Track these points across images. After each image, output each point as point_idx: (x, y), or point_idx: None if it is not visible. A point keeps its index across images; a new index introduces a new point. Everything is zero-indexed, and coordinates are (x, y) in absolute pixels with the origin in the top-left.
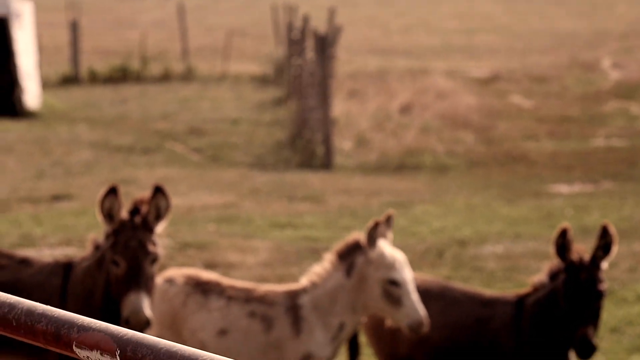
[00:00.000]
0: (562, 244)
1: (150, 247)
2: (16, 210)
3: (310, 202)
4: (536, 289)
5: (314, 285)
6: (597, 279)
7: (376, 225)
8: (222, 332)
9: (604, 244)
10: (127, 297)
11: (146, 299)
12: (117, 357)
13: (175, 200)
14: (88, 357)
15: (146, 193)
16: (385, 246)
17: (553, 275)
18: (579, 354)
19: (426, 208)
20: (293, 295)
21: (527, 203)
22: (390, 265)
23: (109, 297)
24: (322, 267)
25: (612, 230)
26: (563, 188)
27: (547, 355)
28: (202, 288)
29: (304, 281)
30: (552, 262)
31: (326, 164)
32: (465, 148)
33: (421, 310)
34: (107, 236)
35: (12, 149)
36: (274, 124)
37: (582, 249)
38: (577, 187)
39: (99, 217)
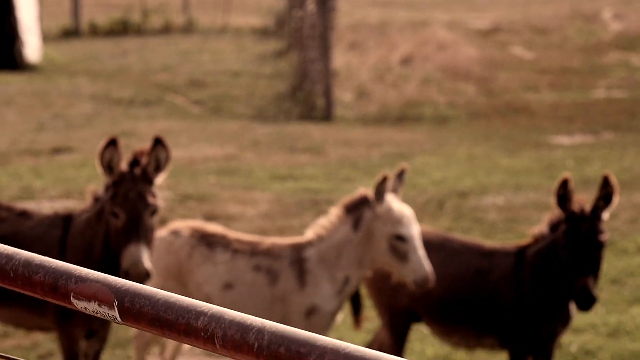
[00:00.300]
0: (563, 194)
1: (150, 199)
2: (16, 163)
3: (311, 153)
4: (536, 239)
5: (320, 238)
6: (598, 229)
7: (384, 179)
8: (228, 286)
9: (605, 195)
10: (126, 249)
11: (146, 250)
12: (115, 308)
13: (176, 153)
14: (85, 307)
15: (146, 145)
16: (393, 201)
17: (553, 226)
18: (579, 305)
19: (427, 159)
20: (299, 248)
21: (528, 154)
22: (397, 221)
23: (109, 249)
24: (328, 220)
25: (613, 180)
26: (564, 139)
27: (547, 306)
28: (207, 240)
29: (309, 234)
30: (553, 212)
31: (327, 115)
32: (466, 99)
33: (427, 265)
34: (107, 188)
35: (12, 101)
36: (274, 76)
37: (583, 199)
38: (577, 138)
39: (99, 169)
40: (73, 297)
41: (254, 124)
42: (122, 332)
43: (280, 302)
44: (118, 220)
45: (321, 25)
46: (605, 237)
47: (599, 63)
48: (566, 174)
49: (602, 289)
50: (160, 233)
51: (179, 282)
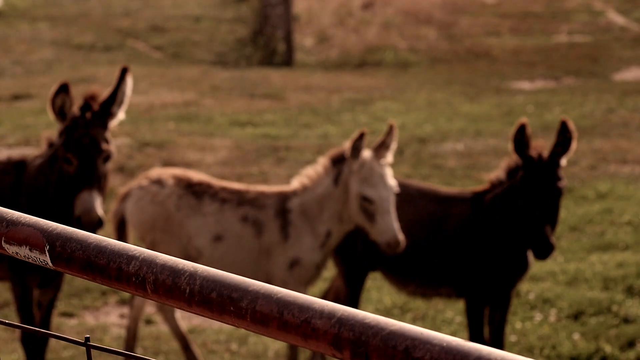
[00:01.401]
0: (520, 139)
1: (103, 145)
2: None
3: (271, 99)
4: (493, 185)
5: (304, 188)
6: (556, 175)
7: (361, 135)
8: (217, 238)
9: (563, 140)
10: (79, 196)
11: (99, 197)
12: (46, 252)
13: (135, 99)
14: (17, 252)
15: (97, 88)
16: (370, 160)
17: (511, 172)
18: (536, 253)
19: (387, 105)
20: (283, 198)
21: (489, 100)
22: (365, 180)
23: (62, 195)
24: (314, 171)
25: (572, 126)
26: (525, 84)
27: (504, 254)
28: (193, 190)
29: (295, 183)
30: (510, 158)
31: (287, 60)
32: (427, 44)
33: (395, 229)
34: (60, 134)
35: None
36: (236, 21)
37: (541, 145)
38: (538, 84)
39: (51, 115)
40: (4, 241)
41: (214, 70)
42: (79, 281)
43: (266, 254)
44: (70, 166)
45: None
46: (563, 183)
47: (561, 7)
48: (523, 119)
49: (561, 237)
50: (141, 182)
51: (168, 233)
